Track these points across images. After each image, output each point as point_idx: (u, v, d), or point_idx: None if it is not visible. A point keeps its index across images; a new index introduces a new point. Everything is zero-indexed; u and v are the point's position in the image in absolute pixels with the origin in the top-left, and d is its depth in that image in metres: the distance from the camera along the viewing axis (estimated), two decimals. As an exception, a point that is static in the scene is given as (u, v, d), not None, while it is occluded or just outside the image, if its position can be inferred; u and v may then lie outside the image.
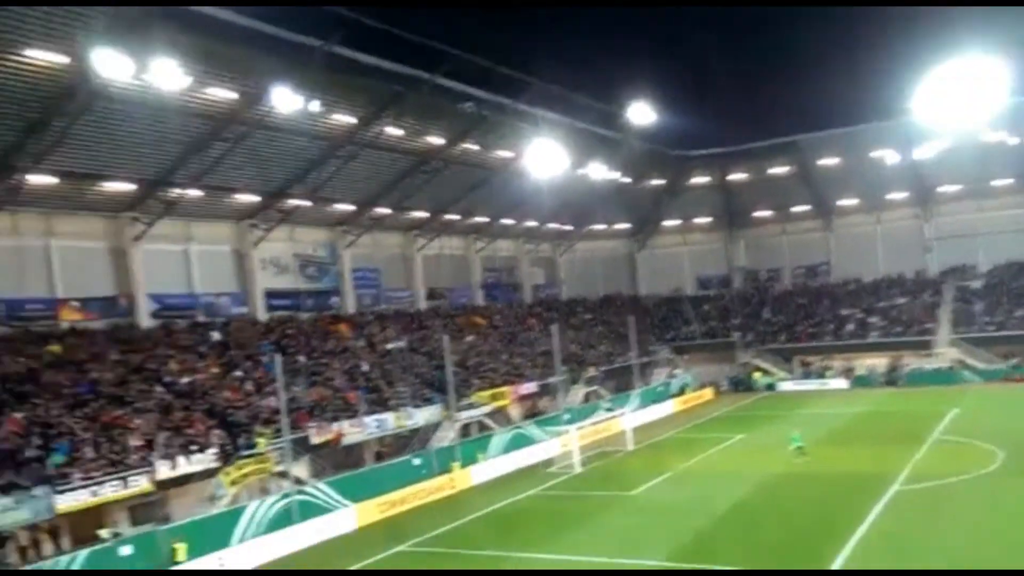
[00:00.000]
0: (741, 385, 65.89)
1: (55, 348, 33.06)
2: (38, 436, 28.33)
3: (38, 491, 26.40)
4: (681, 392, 62.71)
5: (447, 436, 42.08)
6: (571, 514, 31.78)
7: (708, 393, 64.11)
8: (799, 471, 35.50)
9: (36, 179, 32.56)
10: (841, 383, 62.50)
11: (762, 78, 74.54)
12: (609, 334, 66.56)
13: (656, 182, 70.89)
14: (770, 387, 64.26)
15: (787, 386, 63.96)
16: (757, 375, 65.77)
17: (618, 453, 43.35)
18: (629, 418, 47.59)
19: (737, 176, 71.54)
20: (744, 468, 37.11)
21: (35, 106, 29.75)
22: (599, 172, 57.05)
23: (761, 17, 65.03)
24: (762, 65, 72.49)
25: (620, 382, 59.96)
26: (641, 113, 51.36)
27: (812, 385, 63.16)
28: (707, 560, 24.75)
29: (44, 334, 34.04)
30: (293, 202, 44.31)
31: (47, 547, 27.92)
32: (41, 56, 27.78)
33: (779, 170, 69.55)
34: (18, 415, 28.63)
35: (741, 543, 26.34)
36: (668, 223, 75.85)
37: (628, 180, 65.64)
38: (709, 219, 75.29)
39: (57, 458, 27.91)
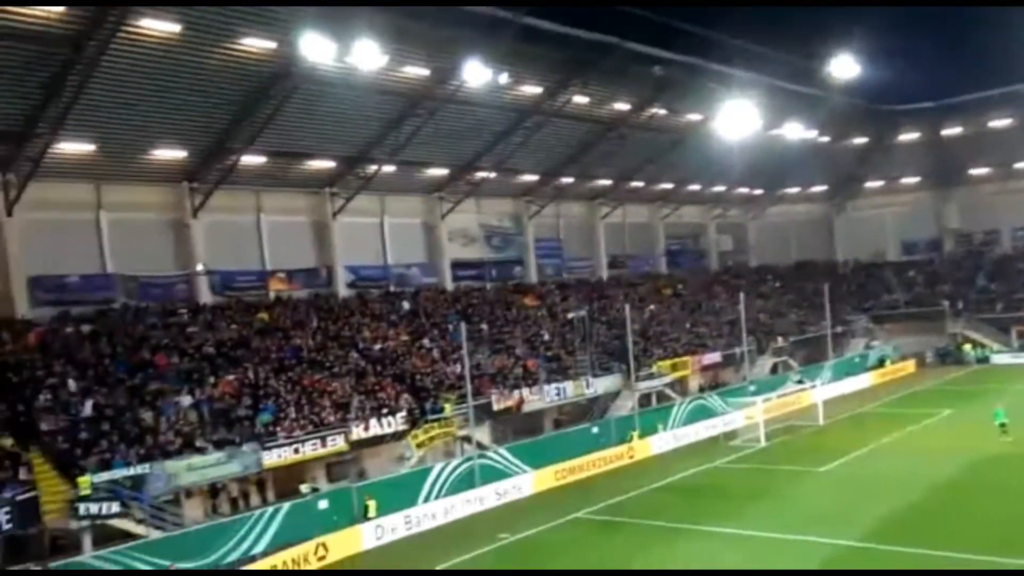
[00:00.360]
0: (949, 357, 59.88)
1: (264, 316, 35.58)
2: (248, 397, 30.61)
3: (247, 447, 28.60)
4: (880, 364, 57.99)
5: (626, 405, 41.49)
6: (755, 488, 30.30)
7: (910, 366, 58.91)
8: (1016, 451, 31.48)
9: (248, 159, 34.75)
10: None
11: (981, 20, 66.46)
12: (801, 302, 62.65)
13: (858, 140, 65.05)
14: (982, 360, 58.06)
15: (1002, 359, 57.50)
16: (967, 347, 59.56)
17: (808, 427, 40.74)
18: (821, 391, 44.60)
19: (952, 131, 64.02)
20: (951, 446, 33.67)
21: (247, 91, 31.66)
22: (795, 132, 53.13)
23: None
24: (977, 10, 64.65)
25: (812, 353, 56.37)
26: (844, 66, 46.41)
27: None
28: (907, 542, 22.47)
29: (254, 303, 36.71)
30: (480, 174, 44.77)
31: (254, 499, 30.32)
32: (254, 44, 29.39)
33: (1001, 123, 61.47)
34: (231, 377, 31.06)
35: (946, 525, 23.90)
36: (870, 184, 69.64)
37: (827, 139, 60.68)
38: (917, 178, 68.26)
39: (264, 417, 30.05)
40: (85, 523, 24.37)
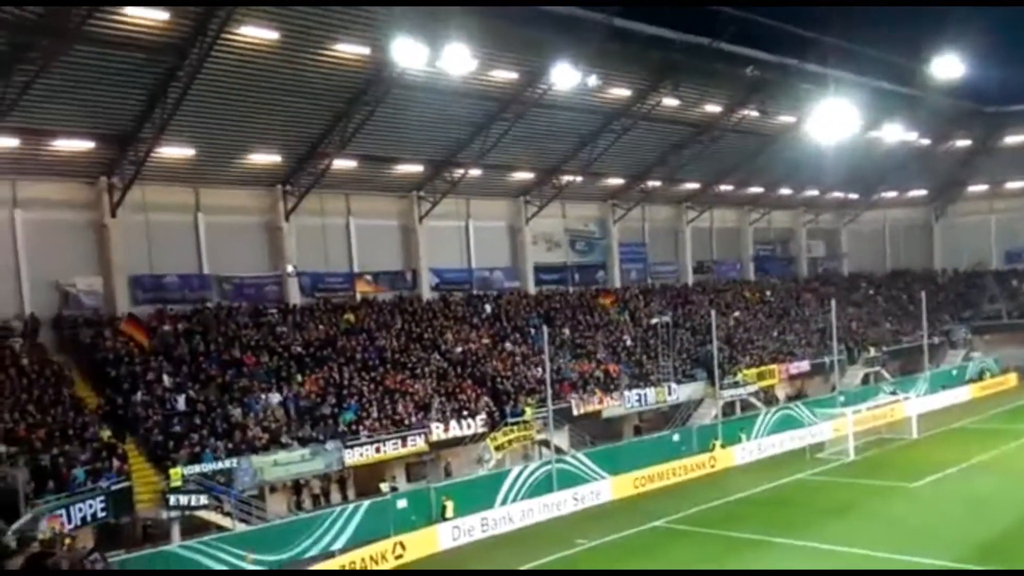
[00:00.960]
0: (1055, 371, 55.72)
1: (350, 317, 35.56)
2: (332, 396, 30.55)
3: (331, 445, 28.53)
4: (980, 377, 54.26)
5: (709, 413, 40.00)
6: (842, 503, 28.72)
7: (1013, 379, 54.78)
8: None
9: (339, 163, 34.73)
10: None
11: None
12: (896, 311, 59.27)
13: (961, 143, 60.68)
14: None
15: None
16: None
17: (900, 441, 38.53)
18: (915, 403, 42.09)
19: (1062, 133, 59.52)
20: None
21: (340, 96, 31.65)
22: (893, 134, 50.07)
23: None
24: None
25: (906, 363, 53.31)
26: (947, 66, 43.43)
27: None
28: (1006, 563, 21.00)
29: (341, 304, 36.72)
30: (566, 178, 43.72)
31: (335, 496, 30.26)
32: (347, 49, 29.29)
33: (1122, 124, 56.87)
34: (317, 376, 31.05)
35: None
36: (973, 188, 65.10)
37: (927, 141, 56.97)
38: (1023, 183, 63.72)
39: (348, 416, 29.97)
40: (175, 514, 24.71)
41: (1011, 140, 61.06)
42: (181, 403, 27.56)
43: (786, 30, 39.21)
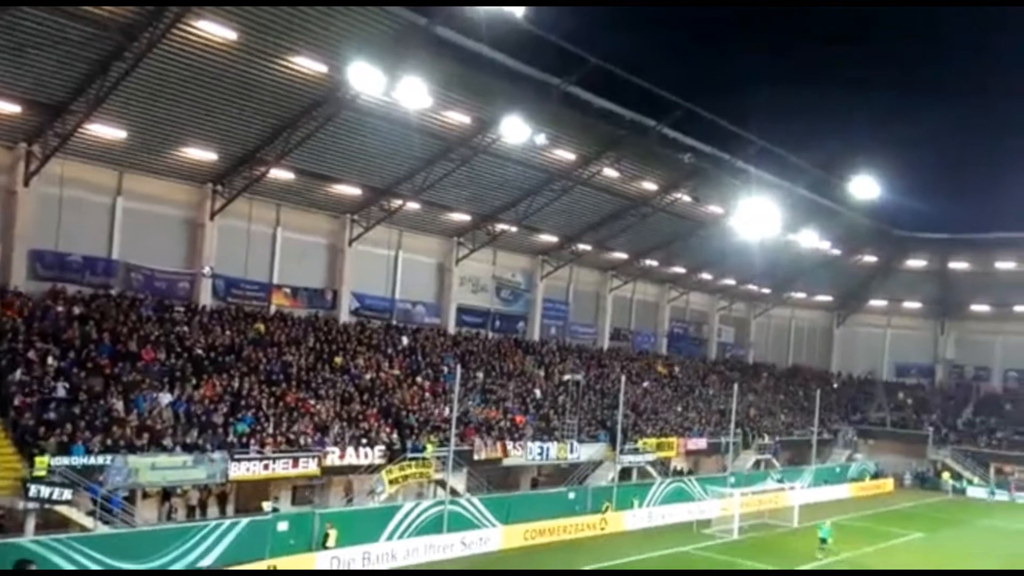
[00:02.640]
0: (927, 482, 57.08)
1: (260, 327, 33.32)
2: (227, 404, 28.23)
3: (217, 455, 26.12)
4: (860, 478, 55.12)
5: (606, 476, 39.00)
6: None
7: (888, 484, 56.01)
8: None
9: (276, 172, 33.05)
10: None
11: (1006, 170, 65.55)
12: (792, 405, 59.99)
13: (868, 258, 63.14)
14: (958, 491, 55.09)
15: (978, 492, 54.69)
16: (946, 475, 56.58)
17: (781, 528, 38.29)
18: (799, 494, 42.22)
19: (958, 264, 62.36)
20: (916, 568, 31.49)
21: (289, 107, 30.23)
22: (809, 240, 51.19)
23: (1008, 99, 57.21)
24: (1003, 153, 63.77)
25: (795, 455, 53.69)
26: (864, 186, 45.78)
27: (1005, 496, 53.58)
28: None
29: (253, 313, 34.45)
30: (501, 226, 43.00)
31: (212, 511, 27.74)
32: (305, 64, 28.10)
33: (1007, 265, 59.89)
34: (215, 382, 28.73)
35: None
36: (874, 302, 67.45)
37: (838, 252, 58.88)
38: (918, 304, 66.16)
39: (241, 427, 27.66)
40: (33, 505, 22.09)
41: (912, 263, 63.99)
42: (61, 389, 24.88)
43: (724, 126, 40.50)
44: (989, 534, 41.36)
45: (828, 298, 67.48)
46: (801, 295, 66.33)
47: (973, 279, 62.17)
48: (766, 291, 64.10)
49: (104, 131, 28.48)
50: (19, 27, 23.37)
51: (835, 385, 66.66)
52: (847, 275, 64.27)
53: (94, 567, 21.55)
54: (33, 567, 10.56)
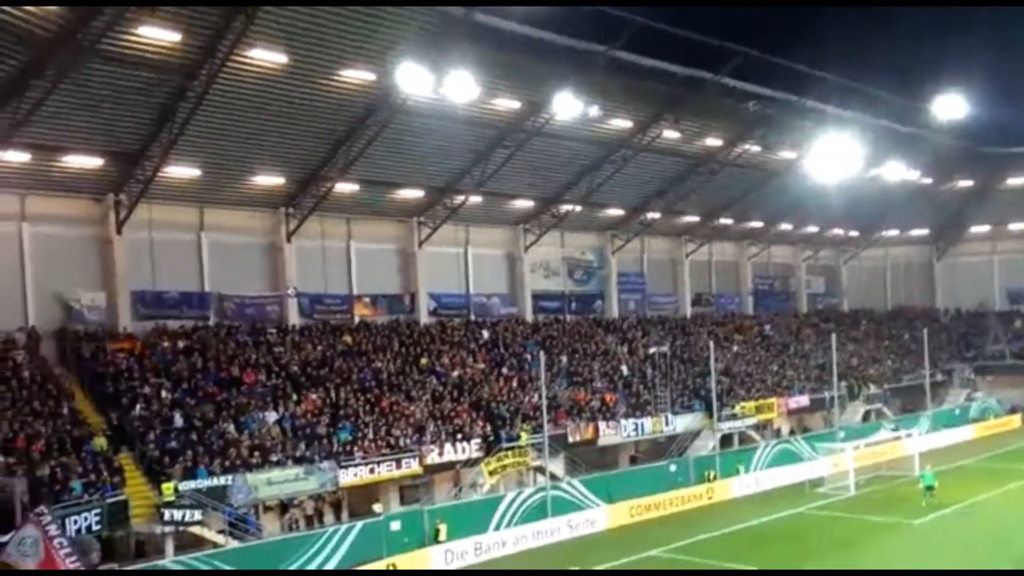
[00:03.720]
0: (1057, 414, 56.19)
1: (347, 339, 36.34)
2: (328, 415, 31.22)
3: (325, 465, 29.05)
4: (983, 417, 54.75)
5: (707, 445, 40.35)
6: (840, 538, 29.04)
7: (1016, 420, 55.42)
8: None
9: (341, 187, 35.72)
10: None
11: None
12: (897, 349, 59.93)
13: (963, 183, 61.70)
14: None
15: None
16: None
17: (901, 478, 38.61)
18: (917, 441, 42.27)
19: (1065, 175, 60.75)
20: None
21: (344, 121, 32.67)
22: (895, 172, 50.59)
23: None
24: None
25: (908, 402, 53.74)
26: (951, 106, 43.87)
27: None
28: None
29: (339, 326, 37.53)
30: (566, 207, 44.62)
31: (328, 518, 30.74)
32: (354, 75, 30.32)
33: (1122, 168, 58.12)
34: (314, 396, 31.77)
35: None
36: (976, 229, 66.20)
37: (929, 181, 57.79)
38: (1025, 224, 64.82)
39: (343, 435, 30.55)
40: (169, 528, 25.09)
41: (1013, 182, 62.14)
42: (178, 419, 28.24)
43: (788, 66, 39.91)
44: None
45: (924, 231, 66.60)
46: (894, 232, 65.73)
47: (1084, 186, 60.49)
48: (854, 234, 63.89)
49: (180, 171, 31.73)
50: (89, 84, 26.29)
51: (943, 323, 65.88)
52: (942, 204, 63.23)
53: (234, 579, 24.45)
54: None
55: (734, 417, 42.29)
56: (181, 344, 31.53)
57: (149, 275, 32.64)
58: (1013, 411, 56.39)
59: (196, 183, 32.85)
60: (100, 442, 26.13)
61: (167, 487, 25.40)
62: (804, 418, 48.79)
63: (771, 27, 46.14)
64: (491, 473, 32.61)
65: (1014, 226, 64.98)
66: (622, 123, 39.68)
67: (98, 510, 23.60)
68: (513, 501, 31.08)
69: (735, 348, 50.82)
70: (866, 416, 49.67)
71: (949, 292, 68.32)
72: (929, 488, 33.25)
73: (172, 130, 28.77)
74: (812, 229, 60.20)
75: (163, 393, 28.81)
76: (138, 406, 27.96)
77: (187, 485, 25.85)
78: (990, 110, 49.06)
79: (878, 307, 67.65)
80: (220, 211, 34.99)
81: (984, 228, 66.02)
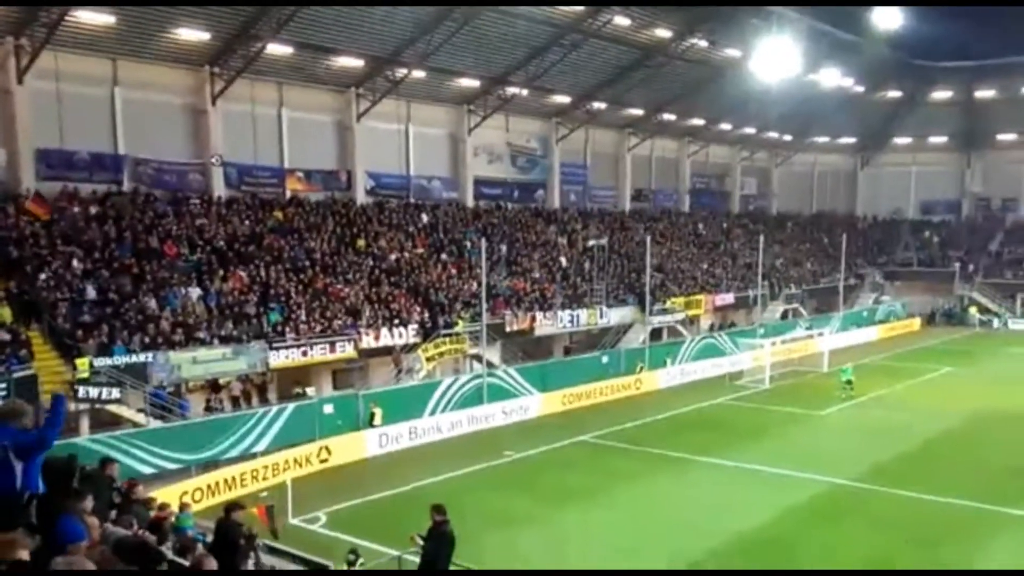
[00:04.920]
0: (954, 318, 57.93)
1: (278, 215, 33.10)
2: (257, 295, 28.45)
3: (255, 345, 26.62)
4: (887, 319, 55.97)
5: (637, 338, 39.66)
6: (756, 426, 29.57)
7: (915, 323, 56.91)
8: (1010, 408, 31.03)
9: (273, 48, 31.77)
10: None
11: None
12: (817, 252, 60.18)
13: (892, 94, 61.28)
14: (984, 324, 56.11)
15: (996, 324, 55.89)
16: (973, 309, 57.50)
17: (811, 373, 39.31)
18: (828, 339, 42.86)
19: (984, 93, 60.41)
20: (949, 400, 32.99)
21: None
22: (831, 78, 49.94)
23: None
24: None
25: (822, 302, 54.38)
26: (887, 16, 43.78)
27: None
28: (897, 485, 21.98)
29: (269, 200, 34.15)
30: (512, 90, 41.58)
31: (255, 400, 28.49)
32: None
33: (1034, 90, 58.21)
34: (242, 273, 28.85)
35: (937, 473, 23.13)
36: (898, 140, 66.03)
37: (861, 89, 57.01)
38: (944, 139, 64.70)
39: (273, 317, 28.04)
40: (84, 406, 22.72)
41: (937, 96, 61.97)
42: (91, 291, 25.05)
43: None
44: (1018, 361, 42.40)
45: (851, 140, 66.19)
46: (824, 139, 65.08)
47: (1000, 107, 60.43)
48: (787, 138, 62.87)
49: (92, 17, 27.26)
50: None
51: (860, 228, 66.51)
52: (870, 113, 62.64)
53: (153, 460, 22.33)
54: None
55: (664, 312, 41.85)
56: (93, 210, 27.80)
57: (56, 132, 28.30)
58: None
59: (110, 31, 28.36)
60: (3, 312, 22.87)
61: (82, 362, 22.80)
62: (728, 314, 48.64)
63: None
64: (428, 359, 30.90)
65: (934, 139, 65.10)
66: (574, 6, 36.61)
67: (3, 384, 20.97)
68: (449, 387, 29.94)
69: (669, 245, 49.73)
70: (784, 315, 50.11)
71: (869, 200, 68.83)
72: (848, 382, 33.97)
73: (84, -31, 24.51)
74: (749, 131, 58.78)
75: (74, 262, 25.42)
76: (44, 275, 24.59)
77: (103, 361, 23.24)
78: (923, 23, 48.23)
79: (804, 210, 67.62)
80: (138, 65, 30.54)
81: (907, 140, 65.98)
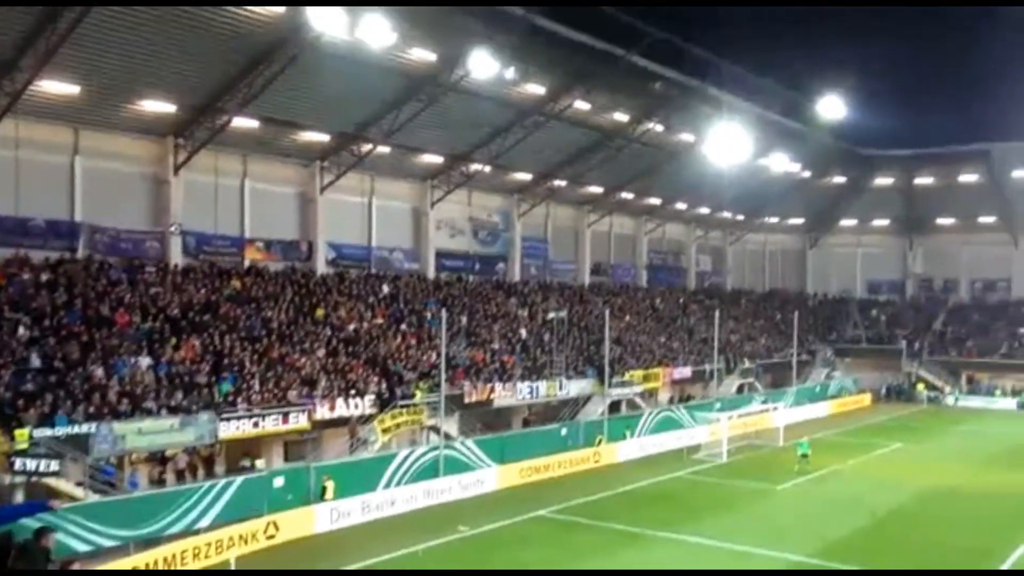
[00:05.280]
0: (903, 395, 58.36)
1: (236, 284, 32.20)
2: (209, 364, 27.34)
3: (204, 416, 25.37)
4: (839, 395, 56.09)
5: (596, 410, 39.07)
6: (715, 500, 29.03)
7: (866, 399, 57.12)
8: (961, 486, 31.20)
9: (239, 121, 31.53)
10: (1009, 403, 54.69)
11: (962, 81, 65.62)
12: (770, 328, 60.55)
13: (838, 179, 63.37)
14: (932, 400, 56.65)
15: (951, 401, 56.59)
16: (920, 386, 58.03)
17: (767, 447, 38.90)
18: (782, 414, 42.65)
19: (923, 180, 62.95)
20: (900, 476, 32.92)
21: (247, 52, 28.73)
22: (780, 163, 51.62)
23: (968, 18, 57.07)
24: (963, 68, 63.77)
25: (776, 378, 54.35)
26: (832, 106, 45.57)
27: (978, 402, 55.66)
28: (854, 560, 21.77)
29: (227, 269, 33.25)
30: (475, 166, 41.84)
31: (201, 473, 27.07)
32: (260, 8, 26.78)
33: (968, 178, 60.64)
34: (195, 342, 27.76)
35: (893, 548, 23.04)
36: (844, 222, 67.87)
37: (808, 175, 58.98)
38: (887, 222, 66.71)
39: (225, 386, 26.86)
40: (20, 479, 21.35)
41: (880, 182, 64.27)
42: (35, 359, 23.79)
43: (692, 51, 39.90)
44: (966, 439, 42.80)
45: (800, 221, 67.82)
46: (774, 219, 66.55)
47: (937, 193, 62.81)
48: (740, 217, 64.08)
49: (56, 87, 26.83)
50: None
51: (811, 306, 67.39)
52: (817, 197, 64.58)
53: (90, 537, 20.88)
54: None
55: (623, 384, 41.46)
56: (44, 277, 26.68)
57: (11, 198, 27.40)
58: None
59: (74, 101, 27.89)
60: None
61: (20, 433, 21.44)
62: (686, 388, 48.31)
63: (682, 13, 45.71)
64: (384, 431, 29.78)
65: (877, 222, 66.99)
66: (536, 89, 37.50)
67: (-66, 456, 19.60)
68: (405, 460, 28.70)
69: (628, 318, 49.59)
70: (740, 389, 49.95)
71: (818, 278, 70.07)
72: (804, 456, 33.70)
73: (49, 41, 24.09)
74: (704, 210, 59.82)
75: (20, 329, 24.19)
76: (-12, 342, 23.37)
77: (43, 432, 21.89)
78: (865, 114, 50.40)
79: (757, 287, 68.44)
80: (100, 135, 30.02)
81: (852, 222, 67.82)
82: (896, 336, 61.87)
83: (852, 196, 65.51)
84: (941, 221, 64.74)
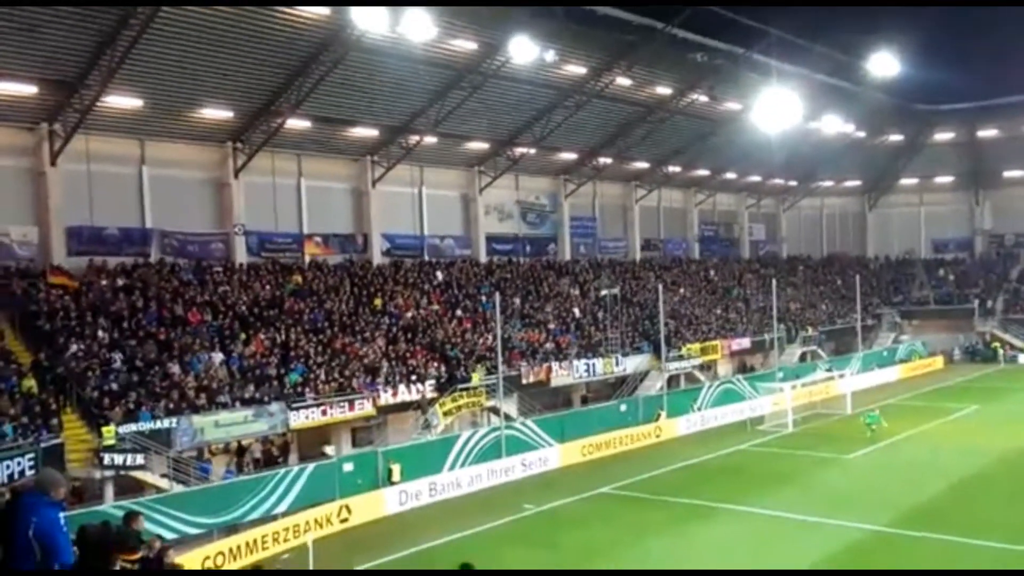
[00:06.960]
0: (978, 355, 56.62)
1: (298, 279, 33.57)
2: (278, 357, 28.69)
3: (275, 407, 26.73)
4: (908, 358, 54.88)
5: (654, 385, 39.25)
6: (782, 472, 28.66)
7: (938, 362, 55.74)
8: None
9: (292, 123, 32.76)
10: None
11: (1020, 29, 62.71)
12: (831, 294, 59.54)
13: (894, 138, 61.47)
14: (1010, 360, 54.64)
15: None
16: (996, 345, 56.19)
17: (834, 416, 38.31)
18: (849, 381, 41.97)
19: (988, 133, 60.34)
20: (980, 440, 31.79)
21: (297, 55, 29.79)
22: (832, 126, 50.18)
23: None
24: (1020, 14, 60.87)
25: (841, 344, 53.51)
26: (883, 63, 43.97)
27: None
28: (930, 528, 21.11)
29: (289, 265, 34.69)
30: (520, 150, 42.29)
31: (281, 461, 28.47)
32: (308, 9, 27.69)
33: (1037, 126, 58.03)
34: (263, 336, 29.15)
35: (974, 515, 22.20)
36: (904, 181, 65.73)
37: (863, 135, 57.31)
38: (951, 178, 64.35)
39: (294, 377, 28.18)
40: (109, 473, 22.82)
41: (940, 137, 62.01)
42: (117, 360, 25.41)
43: (735, 20, 38.97)
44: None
45: (857, 182, 66.04)
46: (829, 183, 65.00)
47: (1004, 145, 60.13)
48: (793, 183, 62.95)
49: (121, 101, 28.38)
50: (25, 7, 23.07)
51: (873, 269, 65.83)
52: (874, 157, 62.70)
53: (176, 524, 22.28)
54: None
55: (680, 358, 41.37)
56: (120, 282, 28.38)
57: (86, 210, 29.17)
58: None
59: (138, 114, 29.48)
60: (28, 383, 23.24)
61: (107, 430, 22.97)
62: (745, 359, 48.05)
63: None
64: (445, 414, 30.76)
65: (940, 179, 64.83)
66: (577, 68, 37.62)
67: (31, 454, 21.03)
68: (467, 441, 29.61)
69: (682, 291, 49.49)
70: (803, 357, 49.38)
71: (879, 241, 68.25)
72: (870, 426, 33.35)
73: (113, 58, 25.51)
74: (755, 178, 58.99)
75: (100, 333, 25.85)
76: (74, 346, 25.02)
77: (128, 428, 23.38)
78: (919, 69, 48.67)
79: (814, 253, 67.09)
80: (163, 144, 31.59)
81: (913, 180, 65.71)
82: (967, 296, 60.08)
83: (911, 153, 63.43)
84: (1009, 174, 62.21)
